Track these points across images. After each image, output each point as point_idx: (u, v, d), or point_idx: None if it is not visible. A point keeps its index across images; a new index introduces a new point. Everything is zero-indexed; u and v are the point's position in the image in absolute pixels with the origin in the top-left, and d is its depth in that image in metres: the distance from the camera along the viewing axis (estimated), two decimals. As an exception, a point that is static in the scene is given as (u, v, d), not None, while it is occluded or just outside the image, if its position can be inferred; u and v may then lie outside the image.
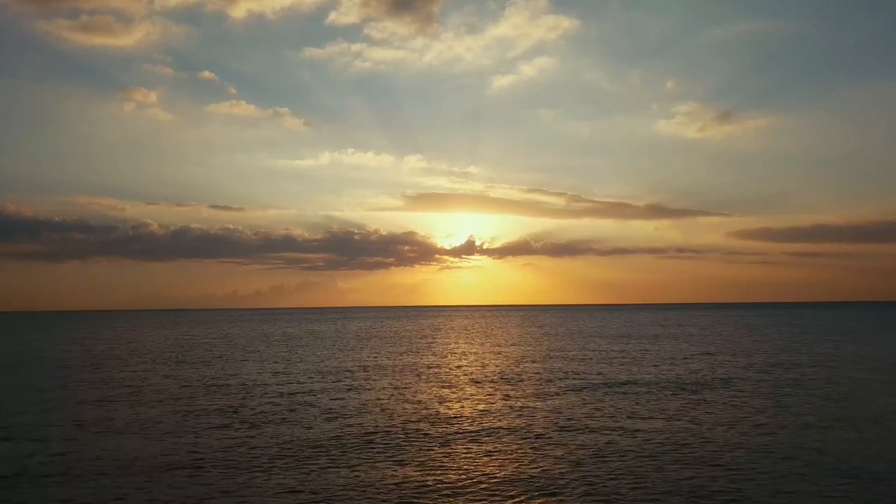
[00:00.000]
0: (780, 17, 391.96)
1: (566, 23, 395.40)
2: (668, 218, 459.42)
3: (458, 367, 41.95)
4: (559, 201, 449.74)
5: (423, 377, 36.36)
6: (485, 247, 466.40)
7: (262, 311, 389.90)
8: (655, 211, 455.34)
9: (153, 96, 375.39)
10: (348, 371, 39.52)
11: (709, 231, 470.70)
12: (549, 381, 33.81)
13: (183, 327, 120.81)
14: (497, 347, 58.85)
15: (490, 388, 31.62)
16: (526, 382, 33.32)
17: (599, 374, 36.75)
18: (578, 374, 36.82)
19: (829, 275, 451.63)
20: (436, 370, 39.91)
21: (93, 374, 39.36)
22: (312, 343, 67.66)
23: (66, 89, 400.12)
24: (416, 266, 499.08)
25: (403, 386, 32.64)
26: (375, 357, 49.43)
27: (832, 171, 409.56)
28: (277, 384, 33.57)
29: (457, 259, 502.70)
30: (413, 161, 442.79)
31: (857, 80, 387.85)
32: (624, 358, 46.26)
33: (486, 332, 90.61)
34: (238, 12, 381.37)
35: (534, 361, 44.45)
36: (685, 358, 45.71)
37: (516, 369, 39.67)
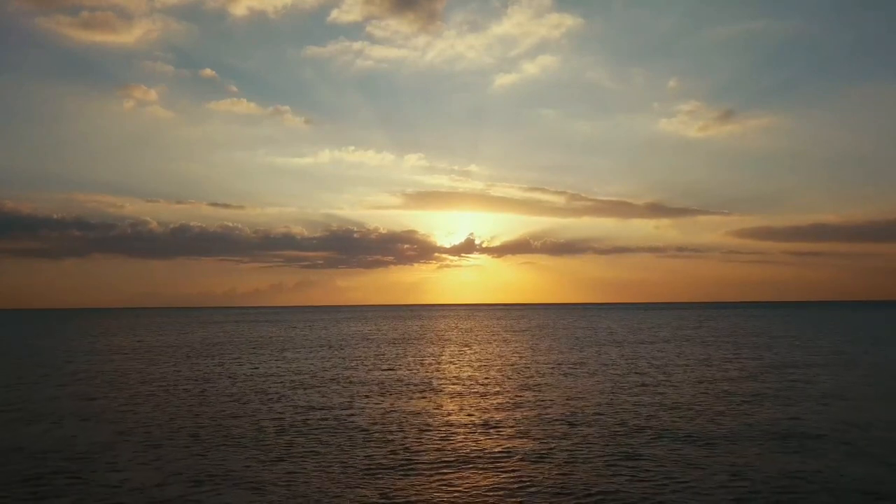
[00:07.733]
0: (782, 16, 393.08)
1: (569, 21, 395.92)
2: (668, 217, 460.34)
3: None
4: (559, 200, 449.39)
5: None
6: (484, 245, 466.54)
7: (261, 309, 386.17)
8: (656, 210, 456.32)
9: (153, 93, 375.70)
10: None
11: (709, 230, 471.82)
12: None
13: (142, 328, 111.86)
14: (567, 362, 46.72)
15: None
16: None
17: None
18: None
19: (828, 274, 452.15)
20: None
21: None
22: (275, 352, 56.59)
23: (66, 86, 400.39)
24: (416, 264, 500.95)
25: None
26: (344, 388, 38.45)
27: (832, 171, 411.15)
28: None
29: (456, 257, 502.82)
30: (414, 159, 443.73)
31: (858, 80, 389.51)
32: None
33: (521, 339, 73.85)
34: (239, 10, 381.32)
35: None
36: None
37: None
